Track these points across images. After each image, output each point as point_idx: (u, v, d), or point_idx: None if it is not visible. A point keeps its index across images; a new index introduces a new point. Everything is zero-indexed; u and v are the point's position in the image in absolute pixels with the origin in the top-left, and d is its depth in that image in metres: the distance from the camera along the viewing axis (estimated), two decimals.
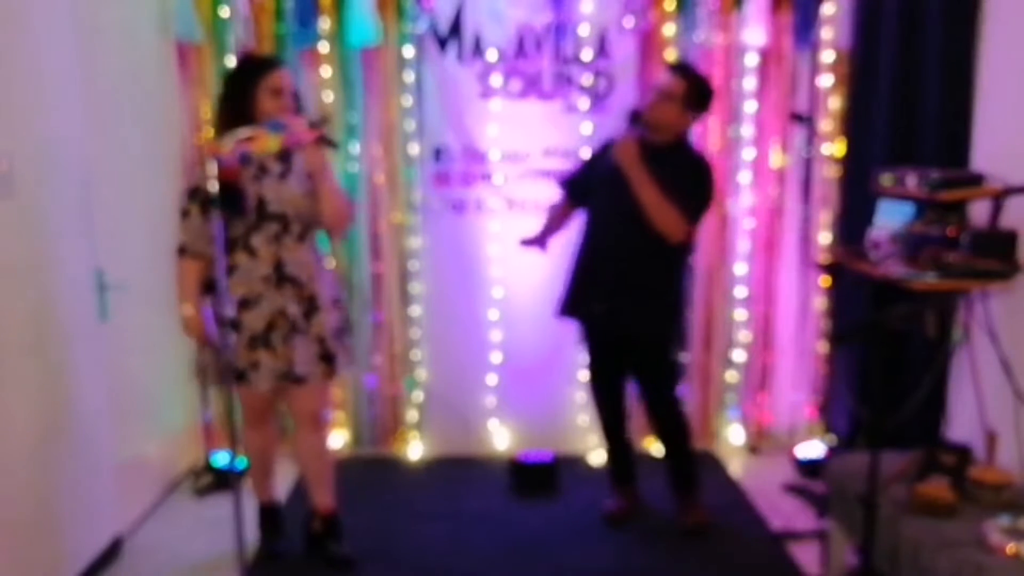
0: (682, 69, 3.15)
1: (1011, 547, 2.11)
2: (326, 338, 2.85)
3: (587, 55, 3.79)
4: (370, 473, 3.69)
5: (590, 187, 3.26)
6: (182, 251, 2.83)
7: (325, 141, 2.77)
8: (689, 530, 3.27)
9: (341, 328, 2.94)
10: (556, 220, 3.43)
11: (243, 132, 2.47)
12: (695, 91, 3.08)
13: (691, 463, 3.37)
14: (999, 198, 2.64)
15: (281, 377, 2.81)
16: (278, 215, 2.77)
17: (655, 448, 3.91)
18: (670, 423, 3.33)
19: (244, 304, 2.77)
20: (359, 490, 3.42)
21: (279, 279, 2.78)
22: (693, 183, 3.08)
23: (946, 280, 2.57)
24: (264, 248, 2.77)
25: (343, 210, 2.85)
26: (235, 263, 2.77)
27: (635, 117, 3.07)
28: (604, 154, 3.20)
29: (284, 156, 2.78)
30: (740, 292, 4.02)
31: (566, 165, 3.83)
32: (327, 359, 2.86)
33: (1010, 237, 2.59)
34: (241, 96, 2.72)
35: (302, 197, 2.78)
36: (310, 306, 2.82)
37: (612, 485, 3.50)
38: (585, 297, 3.22)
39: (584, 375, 3.96)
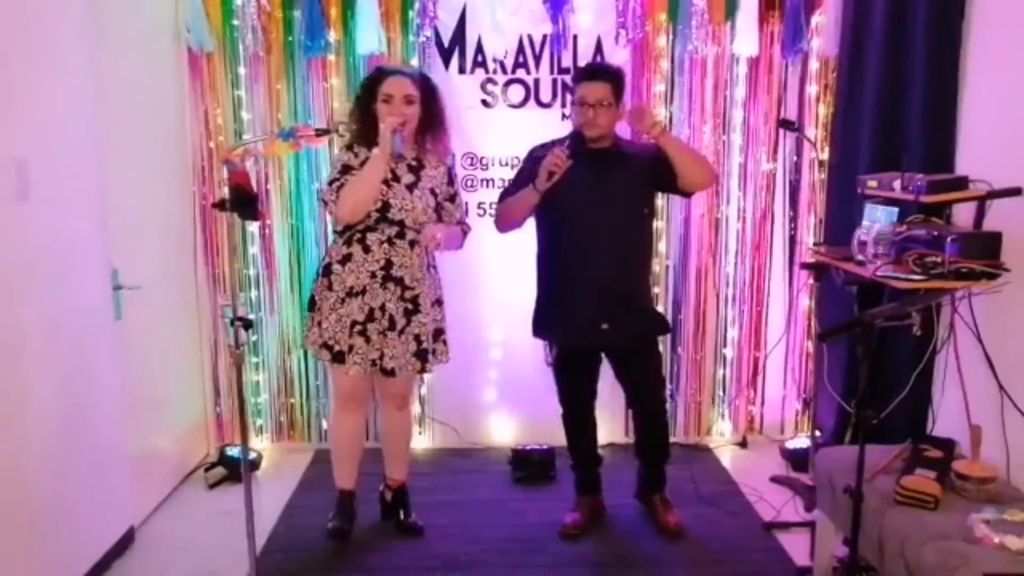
0: (601, 73, 2.93)
1: (996, 539, 2.07)
2: (424, 337, 2.92)
3: (584, 64, 3.74)
4: (376, 465, 3.64)
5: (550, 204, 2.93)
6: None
7: None
8: (673, 531, 3.14)
9: (441, 328, 3.03)
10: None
11: (253, 138, 2.44)
12: (619, 88, 2.93)
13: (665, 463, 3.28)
14: (983, 201, 2.60)
15: (371, 365, 2.88)
16: (397, 221, 2.83)
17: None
18: (662, 427, 3.21)
19: (351, 293, 2.85)
20: (366, 480, 3.36)
21: (385, 278, 2.85)
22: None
23: (931, 281, 2.53)
24: (377, 247, 2.84)
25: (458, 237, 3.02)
26: (350, 253, 2.85)
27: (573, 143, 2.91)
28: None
29: (415, 169, 2.87)
30: (730, 292, 3.99)
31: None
32: (422, 355, 2.93)
33: (994, 238, 2.55)
34: (365, 101, 2.87)
35: (422, 211, 2.86)
36: (413, 307, 2.89)
37: (577, 496, 3.27)
38: (576, 316, 2.95)
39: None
